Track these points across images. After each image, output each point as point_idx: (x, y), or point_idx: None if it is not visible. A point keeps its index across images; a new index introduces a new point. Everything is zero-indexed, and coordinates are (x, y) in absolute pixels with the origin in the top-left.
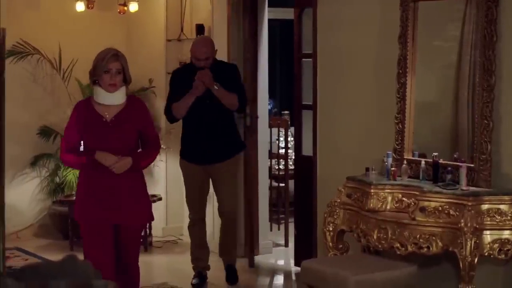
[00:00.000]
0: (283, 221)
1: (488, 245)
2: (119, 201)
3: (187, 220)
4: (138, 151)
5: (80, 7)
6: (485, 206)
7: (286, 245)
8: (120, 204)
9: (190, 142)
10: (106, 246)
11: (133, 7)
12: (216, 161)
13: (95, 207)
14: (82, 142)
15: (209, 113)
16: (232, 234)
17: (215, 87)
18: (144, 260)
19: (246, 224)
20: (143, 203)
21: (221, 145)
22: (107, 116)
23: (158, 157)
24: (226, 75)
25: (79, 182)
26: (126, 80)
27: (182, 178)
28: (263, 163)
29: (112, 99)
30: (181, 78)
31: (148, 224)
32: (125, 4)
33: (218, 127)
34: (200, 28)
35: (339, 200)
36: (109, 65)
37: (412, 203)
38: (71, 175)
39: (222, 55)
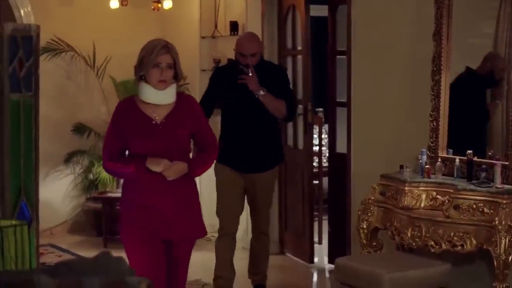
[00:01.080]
0: (317, 219)
1: None
2: (170, 213)
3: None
4: (192, 156)
5: (114, 4)
6: None
7: (320, 242)
8: (172, 217)
9: (229, 146)
10: (158, 266)
11: (167, 4)
12: (256, 170)
13: (144, 221)
14: (127, 149)
15: (251, 117)
16: (265, 254)
17: (261, 92)
18: None
19: (280, 221)
20: (197, 215)
21: (263, 154)
22: (157, 117)
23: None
24: (273, 78)
25: (125, 194)
26: (177, 76)
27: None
28: None
29: (161, 98)
30: (222, 77)
31: None
32: (159, 1)
33: (260, 134)
34: (234, 25)
35: (373, 198)
36: (159, 59)
37: (446, 201)
38: (105, 172)
39: None
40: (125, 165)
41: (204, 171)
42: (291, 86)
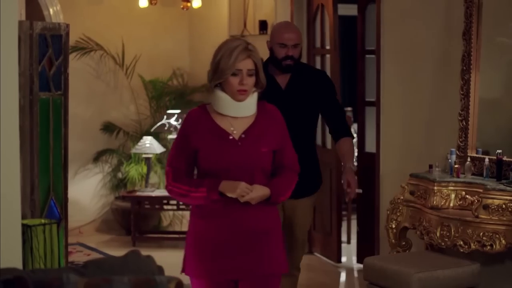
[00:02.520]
0: (345, 218)
1: None
2: (248, 248)
3: None
4: (274, 179)
5: (144, 2)
6: None
7: (349, 242)
8: (251, 251)
9: None
10: None
11: (196, 3)
12: (293, 197)
13: (216, 257)
14: (196, 167)
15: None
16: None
17: (350, 165)
18: None
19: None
20: (279, 250)
21: (301, 179)
22: (234, 132)
23: None
24: (318, 87)
25: (192, 223)
26: (259, 84)
27: None
28: None
29: (240, 110)
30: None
31: None
32: (188, 0)
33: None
34: (263, 24)
35: (402, 197)
36: (239, 64)
37: (476, 201)
38: (134, 171)
39: None
40: (194, 188)
41: (286, 197)
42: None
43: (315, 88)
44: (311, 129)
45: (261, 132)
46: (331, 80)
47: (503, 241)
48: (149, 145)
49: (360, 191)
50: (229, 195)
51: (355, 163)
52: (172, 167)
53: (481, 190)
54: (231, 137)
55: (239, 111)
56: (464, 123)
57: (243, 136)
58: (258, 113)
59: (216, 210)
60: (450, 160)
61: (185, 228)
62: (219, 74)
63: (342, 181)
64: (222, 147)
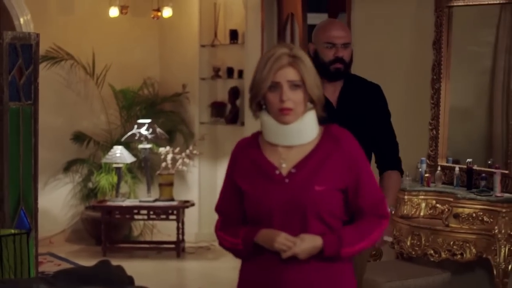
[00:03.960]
0: None
1: None
2: None
3: None
4: (346, 227)
5: (114, 12)
6: None
7: None
8: None
9: None
10: None
11: (167, 12)
12: None
13: None
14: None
15: None
16: None
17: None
18: (176, 266)
19: None
20: None
21: None
22: (283, 165)
23: (191, 163)
24: (372, 105)
25: (240, 274)
26: (314, 100)
27: (216, 183)
28: None
29: (289, 136)
30: None
31: (181, 230)
32: (158, 10)
33: None
34: (233, 34)
35: None
36: (276, 75)
37: (446, 210)
38: (104, 181)
39: (255, 61)
40: (233, 237)
41: (361, 250)
42: None
43: (368, 106)
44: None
45: (319, 165)
46: (385, 98)
47: (474, 250)
48: (120, 154)
49: (390, 239)
50: (267, 247)
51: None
52: (218, 212)
53: (451, 199)
54: (277, 172)
55: (287, 137)
56: (435, 132)
57: (293, 171)
58: (321, 139)
59: (259, 263)
60: (420, 169)
61: (156, 237)
62: (255, 91)
63: None
64: (265, 186)
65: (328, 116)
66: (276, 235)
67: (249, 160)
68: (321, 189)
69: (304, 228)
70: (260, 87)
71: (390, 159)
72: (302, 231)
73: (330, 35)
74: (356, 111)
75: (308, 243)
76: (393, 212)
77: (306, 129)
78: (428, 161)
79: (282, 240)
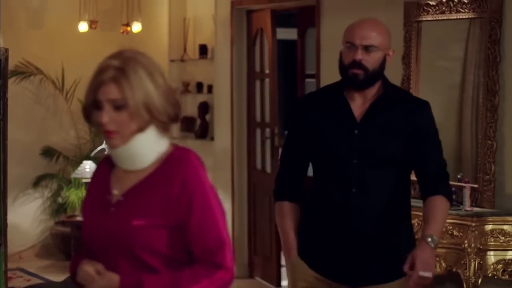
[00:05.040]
0: None
1: (492, 266)
2: None
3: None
4: (164, 272)
5: (83, 27)
6: (488, 227)
7: None
8: None
9: (320, 234)
10: None
11: (136, 27)
12: (372, 281)
13: None
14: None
15: (366, 187)
16: None
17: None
18: None
19: (249, 245)
20: None
21: (386, 253)
22: (115, 192)
23: None
24: (412, 123)
25: None
26: (155, 116)
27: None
28: None
29: (120, 160)
30: (313, 112)
31: None
32: (128, 25)
33: (382, 217)
34: (203, 49)
35: None
36: (98, 93)
37: (416, 224)
38: (74, 196)
39: (225, 76)
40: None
41: None
42: None
43: (404, 125)
44: (400, 186)
45: (144, 195)
46: (431, 116)
47: (443, 264)
48: (89, 169)
49: (430, 275)
50: (80, 281)
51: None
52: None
53: (421, 213)
54: (108, 198)
55: (120, 161)
56: None
57: (121, 199)
58: (161, 164)
59: None
60: None
61: None
62: (85, 109)
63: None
64: (94, 211)
65: (345, 131)
66: (82, 266)
67: (98, 178)
68: (139, 224)
69: (115, 267)
70: (86, 104)
71: (434, 183)
72: (113, 267)
73: (352, 33)
74: (386, 130)
75: (103, 282)
76: (432, 246)
77: (138, 154)
78: None
79: (82, 273)
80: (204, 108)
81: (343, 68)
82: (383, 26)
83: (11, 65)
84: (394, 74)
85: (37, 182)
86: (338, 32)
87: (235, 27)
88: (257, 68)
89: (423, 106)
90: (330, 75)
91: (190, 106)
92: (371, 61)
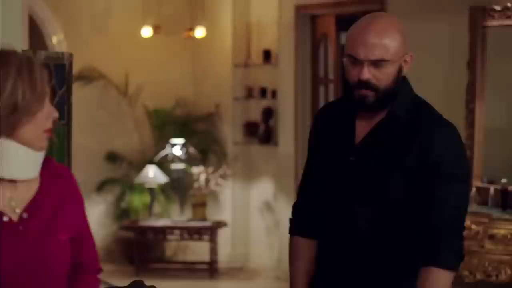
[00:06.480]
0: None
1: None
2: None
3: (253, 246)
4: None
5: (147, 32)
6: None
7: None
8: None
9: (328, 269)
10: None
11: (200, 32)
12: None
13: None
14: None
15: (376, 219)
16: None
17: None
18: (209, 286)
19: None
20: None
21: None
22: (15, 209)
23: (223, 182)
24: (426, 152)
25: None
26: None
27: (249, 203)
28: None
29: (38, 166)
30: (329, 123)
31: (214, 250)
32: (192, 29)
33: (375, 277)
34: (267, 54)
35: None
36: None
37: (481, 231)
38: (137, 201)
39: (289, 81)
40: None
41: None
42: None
43: (410, 154)
44: (403, 234)
45: (56, 209)
46: (451, 146)
47: (509, 271)
48: (153, 174)
49: None
50: None
51: None
52: None
53: (486, 220)
54: (6, 219)
55: (38, 166)
56: (469, 153)
57: (24, 216)
58: (42, 174)
59: None
60: None
61: (189, 257)
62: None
63: None
64: None
65: (341, 156)
66: None
67: None
68: (64, 239)
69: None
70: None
71: (429, 241)
72: None
73: (354, 43)
74: (384, 160)
75: None
76: None
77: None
78: None
79: None
80: (268, 113)
81: (348, 86)
82: (395, 26)
83: (75, 70)
84: (459, 80)
85: (101, 187)
86: None
87: (299, 32)
88: (321, 74)
89: (447, 131)
90: None
91: (253, 111)
92: (382, 78)
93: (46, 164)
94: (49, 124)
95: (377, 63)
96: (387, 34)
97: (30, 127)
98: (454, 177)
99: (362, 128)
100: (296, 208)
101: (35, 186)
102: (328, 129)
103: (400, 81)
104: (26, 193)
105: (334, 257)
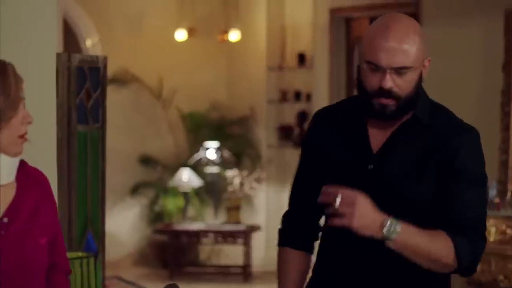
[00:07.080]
0: None
1: None
2: None
3: None
4: None
5: (181, 34)
6: None
7: None
8: None
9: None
10: None
11: (234, 35)
12: None
13: None
14: None
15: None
16: None
17: (387, 236)
18: None
19: None
20: None
21: None
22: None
23: (257, 186)
24: (446, 158)
25: None
26: None
27: (283, 207)
28: None
29: (14, 171)
30: (330, 129)
31: (248, 254)
32: (226, 32)
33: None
34: (301, 57)
35: None
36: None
37: (494, 230)
38: (171, 204)
39: (323, 84)
40: None
41: None
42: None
43: (434, 159)
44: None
45: (33, 210)
46: (473, 151)
47: None
48: (187, 178)
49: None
50: None
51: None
52: None
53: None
54: None
55: (14, 170)
56: (505, 157)
57: (5, 220)
58: (17, 178)
59: None
60: (490, 194)
61: (223, 261)
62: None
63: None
64: None
65: (358, 164)
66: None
67: None
68: (44, 242)
69: None
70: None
71: (450, 230)
72: None
73: (375, 49)
74: (407, 166)
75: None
76: (384, 231)
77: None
78: (498, 185)
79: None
80: (302, 116)
81: (365, 95)
82: (415, 30)
83: (110, 73)
84: (494, 83)
85: (135, 190)
86: (437, 40)
87: (334, 35)
88: (356, 77)
89: (464, 134)
90: (429, 83)
91: (288, 114)
92: (404, 86)
93: (20, 168)
94: (24, 129)
95: (399, 71)
96: (408, 38)
97: (4, 133)
98: (478, 183)
99: (377, 134)
100: (288, 218)
101: (12, 191)
102: (332, 136)
103: (420, 87)
104: (4, 198)
105: (349, 269)
